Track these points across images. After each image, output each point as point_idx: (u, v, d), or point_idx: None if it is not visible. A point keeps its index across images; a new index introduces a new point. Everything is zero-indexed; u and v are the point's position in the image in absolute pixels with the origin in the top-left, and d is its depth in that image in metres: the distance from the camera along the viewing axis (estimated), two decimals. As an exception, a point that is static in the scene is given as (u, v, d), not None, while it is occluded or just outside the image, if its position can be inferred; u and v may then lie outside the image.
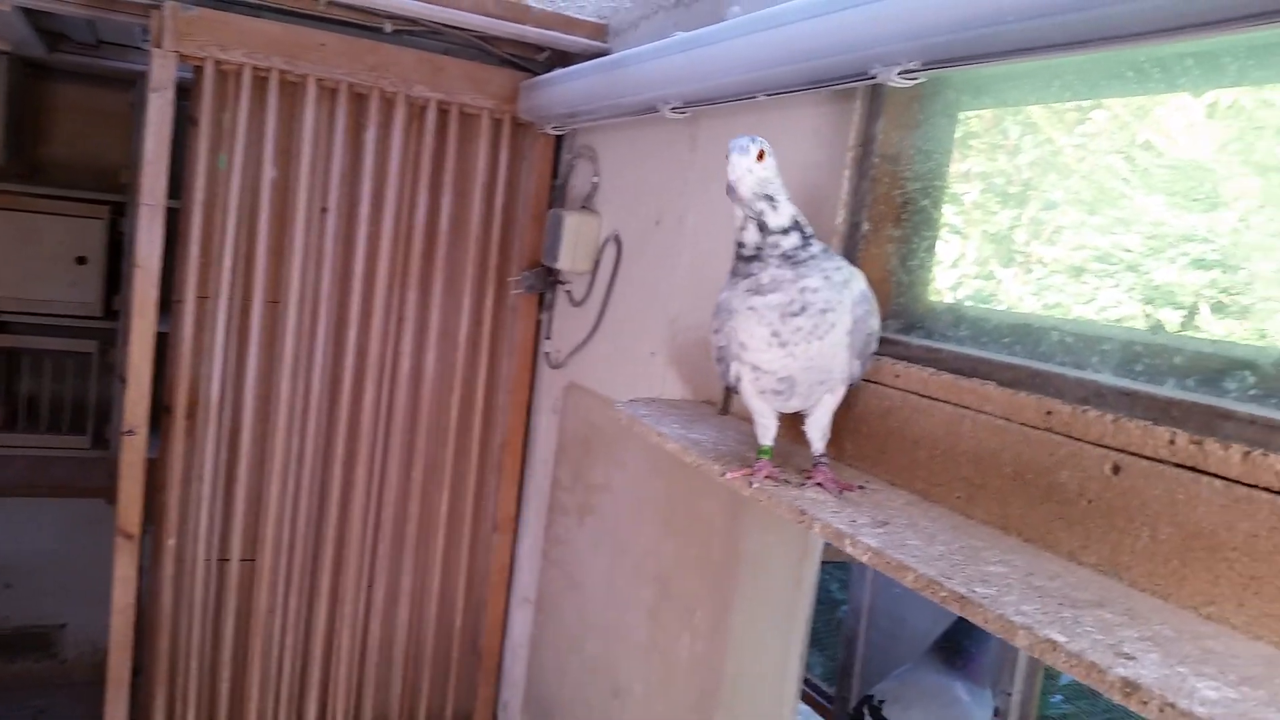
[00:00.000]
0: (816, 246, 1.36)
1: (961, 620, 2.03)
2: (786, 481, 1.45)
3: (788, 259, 1.34)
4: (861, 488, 1.46)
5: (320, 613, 2.96)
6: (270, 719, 2.96)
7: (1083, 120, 1.78)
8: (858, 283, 1.39)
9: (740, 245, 1.36)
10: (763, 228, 1.34)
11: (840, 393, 1.46)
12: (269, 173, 2.70)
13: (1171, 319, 1.59)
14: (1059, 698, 4.69)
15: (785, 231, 1.34)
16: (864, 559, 1.23)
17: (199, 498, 2.79)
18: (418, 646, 3.14)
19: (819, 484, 1.43)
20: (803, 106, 1.88)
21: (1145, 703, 0.84)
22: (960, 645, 2.02)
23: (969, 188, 1.75)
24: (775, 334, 1.35)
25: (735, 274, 1.39)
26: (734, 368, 1.45)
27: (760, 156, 1.31)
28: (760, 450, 1.50)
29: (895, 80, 1.49)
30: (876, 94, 1.72)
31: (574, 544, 2.69)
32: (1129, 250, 1.72)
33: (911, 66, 1.47)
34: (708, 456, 1.58)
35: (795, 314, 1.34)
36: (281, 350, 2.80)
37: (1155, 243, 1.66)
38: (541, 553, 2.92)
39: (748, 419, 1.92)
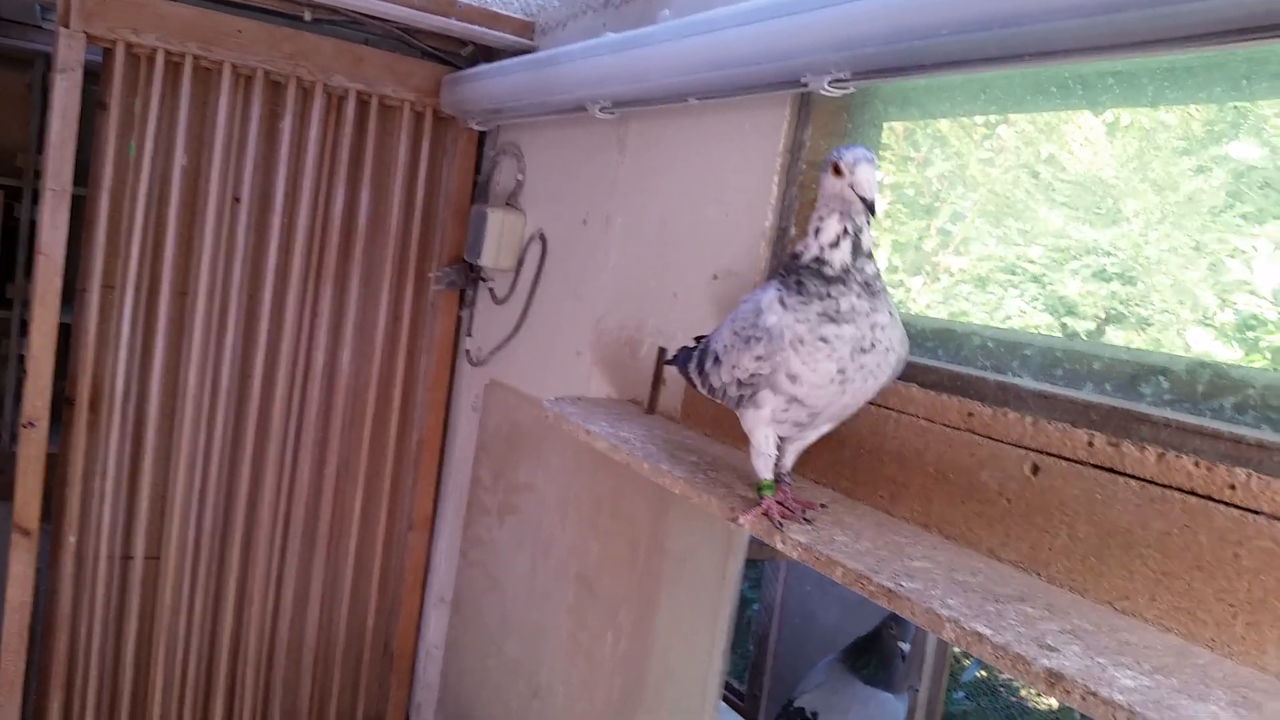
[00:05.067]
0: (880, 276, 1.24)
1: (876, 634, 2.09)
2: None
3: (867, 287, 1.21)
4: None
5: (227, 612, 2.88)
6: (174, 723, 2.87)
7: (990, 135, 1.85)
8: (898, 317, 1.28)
9: (821, 262, 1.21)
10: (856, 248, 1.20)
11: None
12: (180, 160, 2.62)
13: (1084, 327, 1.67)
14: (961, 694, 4.85)
15: (870, 255, 1.21)
16: (794, 555, 1.25)
17: (101, 493, 2.68)
18: (328, 647, 3.07)
19: (780, 502, 1.35)
20: (733, 112, 1.90)
21: (1069, 692, 0.88)
22: (877, 656, 2.08)
23: (880, 198, 1.80)
24: (842, 370, 1.21)
25: (801, 292, 1.22)
26: (753, 394, 1.30)
27: None
28: (761, 485, 1.35)
29: (826, 89, 1.53)
30: (805, 102, 1.76)
31: (494, 543, 2.67)
32: (1033, 262, 1.80)
33: (842, 76, 1.50)
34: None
35: (865, 351, 1.21)
36: (189, 343, 2.71)
37: (1058, 255, 1.74)
38: (460, 552, 2.89)
39: (674, 418, 1.94)
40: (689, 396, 1.90)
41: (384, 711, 3.18)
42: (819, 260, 1.21)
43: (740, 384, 1.30)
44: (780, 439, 1.35)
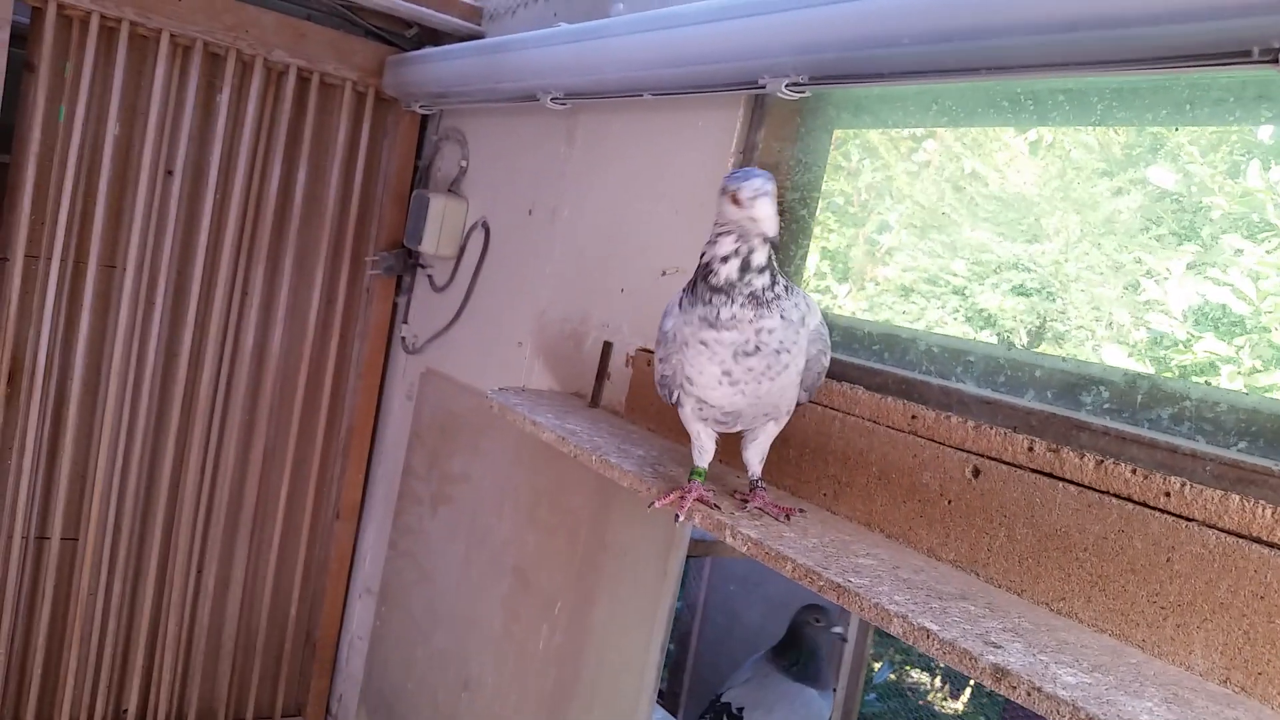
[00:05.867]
0: (781, 283, 1.27)
1: (796, 636, 2.12)
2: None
3: (753, 299, 1.24)
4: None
5: (145, 597, 2.79)
6: (86, 709, 2.77)
7: (916, 149, 1.89)
8: (813, 319, 1.31)
9: (709, 272, 1.25)
10: (745, 266, 1.23)
11: (785, 420, 1.40)
12: (112, 129, 2.52)
13: (1017, 341, 1.71)
14: (873, 695, 4.97)
15: (761, 270, 1.24)
16: (744, 550, 1.27)
17: (18, 470, 2.57)
18: (248, 636, 3.00)
19: (759, 508, 1.38)
20: (686, 110, 1.91)
21: (1014, 687, 0.91)
22: (802, 655, 2.11)
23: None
24: (727, 373, 1.27)
25: (693, 299, 1.28)
26: (677, 394, 1.36)
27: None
28: (694, 471, 1.41)
29: (783, 92, 1.55)
30: (760, 104, 1.78)
31: (426, 534, 2.64)
32: (955, 275, 1.84)
33: (799, 80, 1.52)
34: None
35: (749, 354, 1.25)
36: (115, 318, 2.62)
37: (979, 269, 1.79)
38: (389, 542, 2.85)
39: (619, 411, 1.94)
40: (633, 391, 1.91)
41: (305, 701, 3.13)
42: (708, 269, 1.25)
43: (662, 384, 1.38)
44: (718, 438, 1.41)
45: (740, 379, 1.27)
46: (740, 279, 1.23)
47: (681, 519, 1.37)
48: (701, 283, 1.26)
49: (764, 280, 1.24)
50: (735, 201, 1.20)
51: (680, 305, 1.30)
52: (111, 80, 2.51)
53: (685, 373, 1.30)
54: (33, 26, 2.43)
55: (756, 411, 1.34)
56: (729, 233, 1.23)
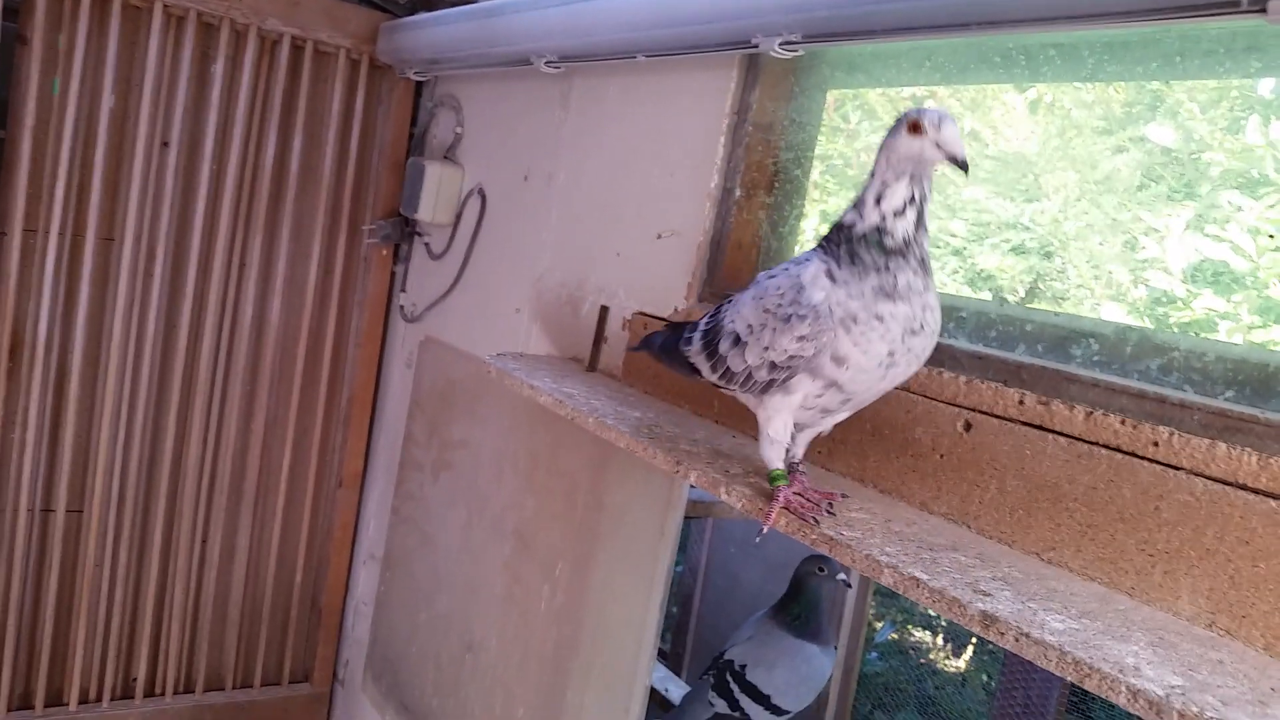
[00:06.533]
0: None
1: (798, 588, 2.13)
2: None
3: (923, 264, 1.09)
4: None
5: (151, 567, 2.82)
6: (96, 678, 2.81)
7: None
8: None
9: (882, 231, 1.08)
10: (920, 217, 1.08)
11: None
12: (107, 101, 2.51)
13: (1011, 298, 1.72)
14: (875, 654, 5.02)
15: (927, 230, 1.10)
16: (739, 506, 1.28)
17: (22, 444, 2.59)
18: (254, 604, 3.03)
19: (798, 494, 1.22)
20: (680, 72, 1.91)
21: (1003, 633, 0.93)
22: (802, 612, 2.13)
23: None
24: (892, 353, 1.10)
25: (855, 263, 1.10)
26: (797, 379, 1.16)
27: None
28: (773, 475, 1.22)
29: (776, 51, 1.55)
30: (753, 64, 1.78)
31: (427, 500, 2.66)
32: (954, 235, 1.85)
33: (793, 38, 1.52)
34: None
35: (915, 333, 1.10)
36: (115, 290, 2.62)
37: (979, 229, 1.79)
38: (391, 509, 2.88)
39: (615, 375, 1.96)
40: (630, 355, 1.92)
41: (311, 668, 3.17)
42: (879, 230, 1.08)
43: (774, 367, 1.17)
44: (795, 427, 1.24)
45: (898, 362, 1.11)
46: (915, 235, 1.08)
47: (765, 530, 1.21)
48: (871, 248, 1.09)
49: (926, 244, 1.09)
50: (915, 129, 1.05)
51: (831, 275, 1.11)
52: (105, 52, 2.50)
53: (839, 352, 1.11)
54: (25, -2, 2.42)
55: (870, 401, 1.20)
56: (901, 175, 1.08)
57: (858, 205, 1.12)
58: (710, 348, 1.28)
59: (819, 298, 1.11)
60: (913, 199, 1.08)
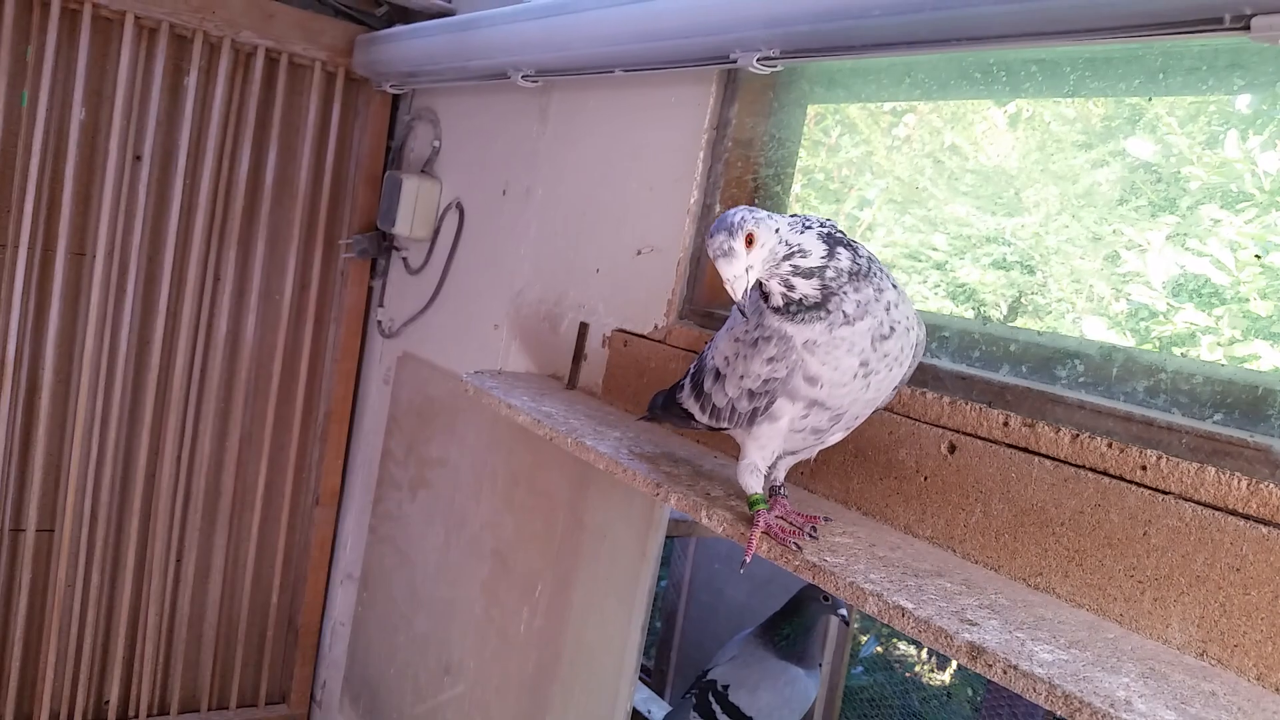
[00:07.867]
0: (863, 251, 1.11)
1: (796, 610, 2.11)
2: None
3: (855, 275, 1.08)
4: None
5: (124, 587, 2.77)
6: (67, 701, 2.75)
7: (896, 123, 1.88)
8: (903, 290, 1.16)
9: (792, 304, 1.10)
10: (808, 274, 1.07)
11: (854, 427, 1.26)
12: (78, 114, 2.47)
13: (990, 315, 1.71)
14: (859, 669, 5.00)
15: (829, 256, 1.07)
16: (720, 530, 1.26)
17: (-11, 463, 2.54)
18: (230, 624, 2.98)
19: (781, 518, 1.22)
20: (659, 86, 1.89)
21: (990, 665, 0.91)
22: (789, 634, 2.10)
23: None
24: (865, 363, 1.10)
25: (799, 318, 1.10)
26: (778, 404, 1.16)
27: (750, 241, 1.04)
28: (753, 500, 1.21)
29: (755, 66, 1.53)
30: (732, 79, 1.76)
31: (405, 519, 2.62)
32: (935, 249, 1.83)
33: (771, 54, 1.50)
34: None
35: (885, 337, 1.10)
36: (87, 306, 2.58)
37: (960, 243, 1.78)
38: (369, 527, 2.83)
39: (595, 393, 1.93)
40: (610, 372, 1.89)
41: (289, 689, 3.11)
42: (790, 303, 1.10)
43: (752, 395, 1.17)
44: (791, 453, 1.25)
45: (875, 368, 1.11)
46: (822, 282, 1.08)
47: (748, 561, 1.20)
48: (807, 312, 1.10)
49: (845, 259, 1.08)
50: (748, 242, 1.05)
51: (786, 332, 1.12)
52: (75, 64, 2.46)
53: (811, 372, 1.11)
54: (-9, 8, 2.38)
55: (859, 415, 1.19)
56: (771, 275, 1.09)
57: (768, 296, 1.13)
58: (698, 388, 1.28)
59: (778, 321, 1.12)
60: (784, 284, 1.09)
